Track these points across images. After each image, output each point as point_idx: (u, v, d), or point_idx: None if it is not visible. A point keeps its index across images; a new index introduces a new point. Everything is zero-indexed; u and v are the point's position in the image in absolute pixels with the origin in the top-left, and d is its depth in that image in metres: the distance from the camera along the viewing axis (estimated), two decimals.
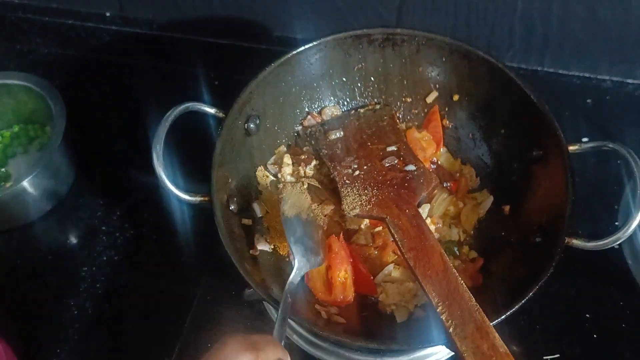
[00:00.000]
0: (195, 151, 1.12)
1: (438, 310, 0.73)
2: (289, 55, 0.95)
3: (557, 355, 0.95)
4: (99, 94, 1.32)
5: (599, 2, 1.14)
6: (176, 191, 0.84)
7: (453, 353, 0.92)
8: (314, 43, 0.96)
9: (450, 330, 0.71)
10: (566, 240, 0.77)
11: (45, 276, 1.07)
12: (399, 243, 0.82)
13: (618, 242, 0.76)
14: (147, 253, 1.10)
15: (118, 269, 1.08)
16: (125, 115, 1.28)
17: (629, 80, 1.27)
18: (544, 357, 0.94)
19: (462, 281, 0.76)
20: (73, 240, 1.12)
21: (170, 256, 1.09)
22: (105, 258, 1.09)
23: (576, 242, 0.77)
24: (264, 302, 1.00)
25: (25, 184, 1.04)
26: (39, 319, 1.02)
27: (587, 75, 1.28)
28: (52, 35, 1.42)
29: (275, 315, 0.98)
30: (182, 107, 0.88)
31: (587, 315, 0.99)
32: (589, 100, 1.24)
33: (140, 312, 1.03)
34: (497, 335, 0.70)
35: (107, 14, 1.42)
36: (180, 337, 0.99)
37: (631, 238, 1.02)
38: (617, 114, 1.22)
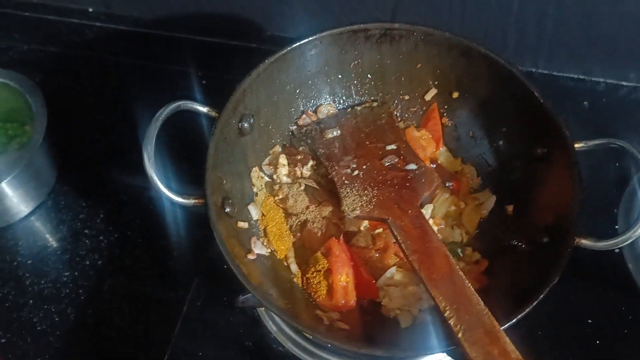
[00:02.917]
0: (185, 152, 1.12)
1: (446, 314, 0.71)
2: (284, 51, 0.92)
3: None
4: (81, 92, 1.30)
5: (593, 5, 1.14)
6: (169, 194, 0.81)
7: None
8: (310, 39, 0.94)
9: (459, 335, 0.69)
10: (575, 240, 0.75)
11: (25, 281, 1.04)
12: (402, 245, 0.80)
13: (628, 242, 0.76)
14: (133, 257, 1.08)
15: (102, 273, 1.06)
16: (108, 114, 1.26)
17: (623, 83, 1.27)
18: None
19: (470, 284, 0.74)
20: (54, 243, 1.10)
21: (157, 260, 1.07)
22: (88, 262, 1.07)
23: (585, 242, 0.76)
24: (256, 309, 0.97)
25: (4, 185, 1.02)
26: (19, 326, 1.00)
27: (581, 77, 1.28)
28: (33, 31, 1.39)
29: (270, 323, 0.96)
30: (173, 106, 0.85)
31: (589, 321, 0.98)
32: (585, 103, 1.24)
33: (125, 318, 1.01)
34: (508, 340, 0.68)
35: (91, 10, 1.40)
36: (170, 344, 0.95)
37: (632, 242, 1.02)
38: (613, 116, 1.22)
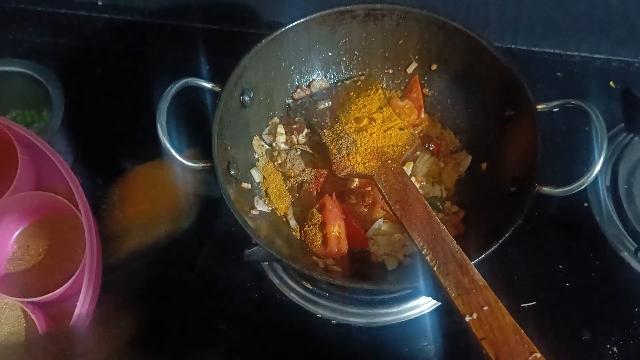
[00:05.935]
0: (192, 126, 1.15)
1: (423, 252, 0.81)
2: (279, 32, 1.00)
3: (534, 303, 1.03)
4: (93, 80, 1.35)
5: None
6: (180, 158, 0.88)
7: (437, 305, 1.01)
8: (302, 20, 1.01)
9: (435, 268, 0.78)
10: (537, 187, 0.84)
11: None
12: (385, 197, 0.89)
13: (583, 186, 0.84)
14: None
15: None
16: (119, 100, 1.31)
17: (596, 56, 1.35)
18: (522, 305, 1.02)
19: (444, 227, 0.83)
20: None
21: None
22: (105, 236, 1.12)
23: (546, 189, 0.85)
24: (261, 265, 1.07)
25: None
26: None
27: (557, 51, 1.36)
28: (45, 24, 1.44)
29: (274, 276, 1.05)
30: (182, 82, 0.93)
31: (560, 266, 1.07)
32: (559, 74, 1.32)
33: (142, 280, 1.07)
34: (476, 271, 0.78)
35: (99, 3, 1.45)
36: (185, 301, 1.05)
37: (598, 197, 1.11)
38: (585, 85, 1.30)
